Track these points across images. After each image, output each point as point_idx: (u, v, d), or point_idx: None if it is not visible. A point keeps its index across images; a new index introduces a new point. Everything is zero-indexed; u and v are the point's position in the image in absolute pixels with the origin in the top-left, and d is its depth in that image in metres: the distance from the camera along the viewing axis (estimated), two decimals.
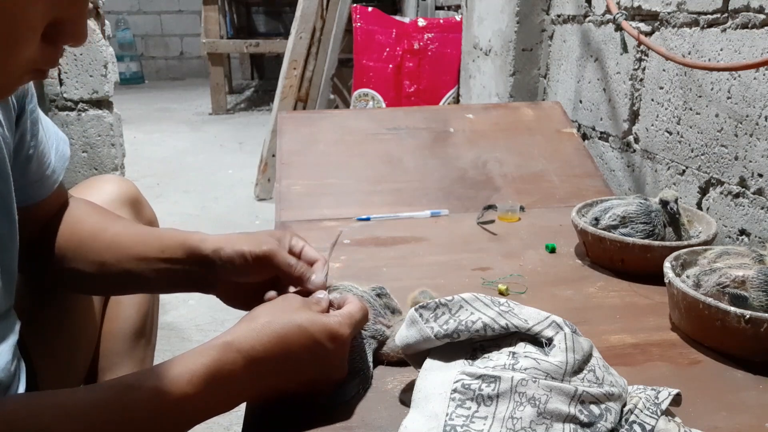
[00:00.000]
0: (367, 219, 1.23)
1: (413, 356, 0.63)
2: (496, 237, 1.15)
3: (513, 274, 0.98)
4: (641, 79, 1.41)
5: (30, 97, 0.69)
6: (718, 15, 1.15)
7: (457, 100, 2.80)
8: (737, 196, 1.13)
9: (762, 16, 1.05)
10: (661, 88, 1.34)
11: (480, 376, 0.53)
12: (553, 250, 1.08)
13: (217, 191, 3.16)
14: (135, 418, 0.52)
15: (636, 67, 1.43)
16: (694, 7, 1.21)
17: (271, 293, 0.68)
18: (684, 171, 1.28)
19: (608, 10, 1.47)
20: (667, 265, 0.83)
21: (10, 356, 0.64)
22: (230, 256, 0.69)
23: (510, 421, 0.51)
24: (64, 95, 1.81)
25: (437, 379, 0.56)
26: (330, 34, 3.20)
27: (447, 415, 0.52)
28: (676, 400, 0.58)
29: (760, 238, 1.08)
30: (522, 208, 1.27)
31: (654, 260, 0.91)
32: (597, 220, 1.02)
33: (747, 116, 1.09)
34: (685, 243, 0.95)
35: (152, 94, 6.33)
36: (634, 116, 1.46)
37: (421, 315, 0.60)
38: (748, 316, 0.70)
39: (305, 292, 0.68)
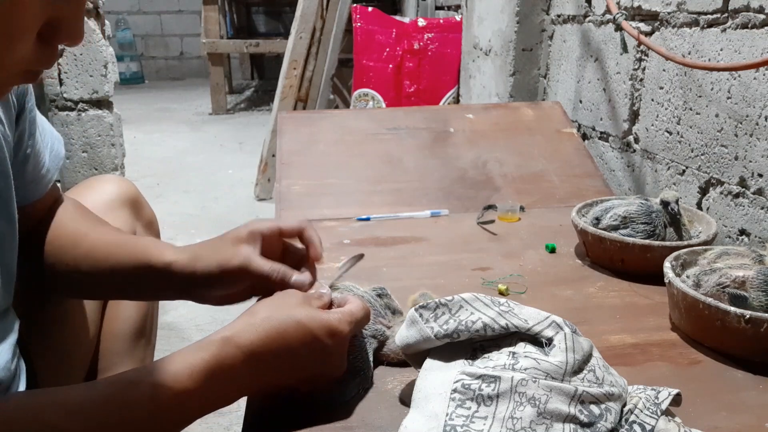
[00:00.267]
0: (367, 219, 1.23)
1: (413, 356, 0.63)
2: (496, 237, 1.15)
3: (513, 274, 0.98)
4: (641, 79, 1.41)
5: (29, 95, 0.69)
6: (718, 15, 1.15)
7: (457, 100, 2.80)
8: (737, 196, 1.13)
9: (762, 16, 1.05)
10: (661, 88, 1.34)
11: (480, 376, 0.53)
12: (553, 250, 1.08)
13: (217, 191, 3.16)
14: (136, 413, 0.52)
15: (636, 67, 1.43)
16: (694, 7, 1.21)
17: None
18: (684, 171, 1.28)
19: (608, 10, 1.47)
20: (667, 265, 0.83)
21: (9, 355, 0.64)
22: (202, 274, 0.68)
23: (510, 421, 0.51)
24: (64, 95, 1.81)
25: (437, 379, 0.56)
26: (330, 34, 3.20)
27: (447, 415, 0.52)
28: (676, 400, 0.58)
29: (760, 238, 1.08)
30: (522, 208, 1.27)
31: (654, 260, 0.91)
32: (598, 220, 1.02)
33: (747, 116, 1.09)
34: (685, 243, 0.95)
35: (152, 94, 6.33)
36: (634, 116, 1.46)
37: (421, 315, 0.60)
38: (748, 316, 0.70)
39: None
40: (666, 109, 1.33)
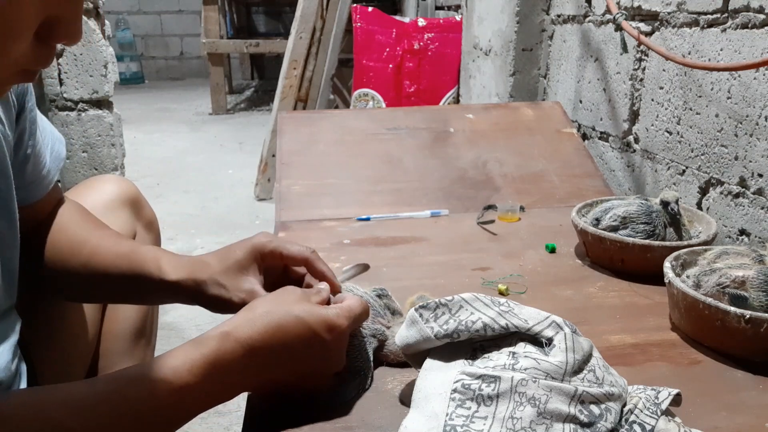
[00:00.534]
0: (367, 219, 1.23)
1: (413, 356, 0.63)
2: (496, 237, 1.15)
3: (513, 274, 0.98)
4: (641, 79, 1.41)
5: (29, 95, 0.69)
6: (718, 15, 1.15)
7: (457, 100, 2.80)
8: (737, 196, 1.13)
9: (762, 16, 1.05)
10: (661, 88, 1.34)
11: (480, 376, 0.53)
12: (553, 250, 1.08)
13: (217, 191, 3.17)
14: (136, 408, 0.52)
15: (636, 67, 1.43)
16: (694, 7, 1.21)
17: None
18: (684, 171, 1.28)
19: (608, 10, 1.47)
20: (667, 265, 0.83)
21: (10, 356, 0.64)
22: (207, 300, 0.70)
23: (510, 421, 0.51)
24: (64, 95, 1.81)
25: (437, 379, 0.56)
26: (330, 34, 3.20)
27: (447, 415, 0.52)
28: (676, 400, 0.58)
29: (760, 238, 1.08)
30: (522, 208, 1.27)
31: (654, 260, 0.91)
32: (598, 220, 1.02)
33: (747, 116, 1.09)
34: (685, 243, 0.95)
35: (152, 94, 6.33)
36: (634, 116, 1.46)
37: (421, 315, 0.60)
38: (748, 316, 0.70)
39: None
40: (666, 109, 1.33)
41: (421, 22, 3.00)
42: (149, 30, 7.30)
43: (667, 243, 0.95)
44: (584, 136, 1.70)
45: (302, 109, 3.17)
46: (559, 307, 0.87)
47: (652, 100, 1.38)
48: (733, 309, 0.71)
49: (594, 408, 0.53)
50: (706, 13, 1.18)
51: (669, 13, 1.29)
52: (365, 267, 0.83)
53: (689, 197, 1.26)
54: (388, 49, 2.97)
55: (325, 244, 1.10)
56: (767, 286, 0.73)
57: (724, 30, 1.13)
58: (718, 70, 1.14)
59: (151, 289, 0.72)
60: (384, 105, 2.96)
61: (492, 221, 1.22)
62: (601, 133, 1.61)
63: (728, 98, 1.13)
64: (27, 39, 0.43)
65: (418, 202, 1.30)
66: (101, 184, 0.91)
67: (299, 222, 1.21)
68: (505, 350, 0.57)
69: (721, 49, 1.15)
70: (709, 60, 1.18)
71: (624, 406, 0.56)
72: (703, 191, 1.22)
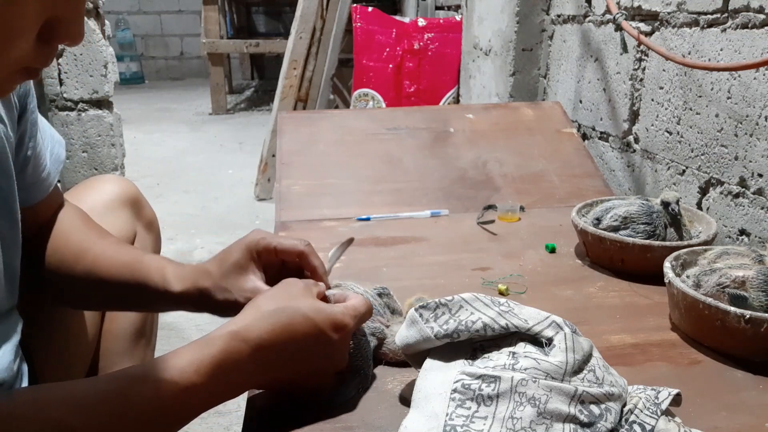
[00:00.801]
0: (367, 219, 1.23)
1: (413, 356, 0.63)
2: (496, 237, 1.15)
3: (513, 274, 0.98)
4: (641, 79, 1.41)
5: (31, 96, 0.69)
6: (718, 15, 1.15)
7: (457, 100, 2.80)
8: (737, 196, 1.13)
9: (762, 16, 1.05)
10: (661, 88, 1.34)
11: (480, 376, 0.53)
12: (553, 250, 1.08)
13: (217, 191, 3.16)
14: (140, 408, 0.52)
15: (636, 67, 1.43)
16: (694, 7, 1.21)
17: None
18: (684, 171, 1.28)
19: (608, 10, 1.47)
20: (667, 265, 0.83)
21: (12, 356, 0.64)
22: (211, 307, 0.70)
23: (510, 421, 0.51)
24: (64, 95, 1.81)
25: (437, 379, 0.56)
26: (330, 34, 3.20)
27: (447, 415, 0.52)
28: (676, 400, 0.58)
29: (760, 238, 1.08)
30: (522, 208, 1.27)
31: (654, 260, 0.91)
32: (598, 220, 1.02)
33: (747, 116, 1.09)
34: (685, 243, 0.95)
35: (152, 94, 6.33)
36: (634, 116, 1.46)
37: (421, 315, 0.61)
38: (748, 316, 0.70)
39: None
40: (666, 109, 1.33)
41: (421, 22, 3.00)
42: (149, 30, 7.30)
43: (667, 243, 0.95)
44: (584, 136, 1.70)
45: (302, 109, 3.17)
46: (559, 307, 0.87)
47: (652, 100, 1.38)
48: (733, 309, 0.71)
49: (594, 408, 0.53)
50: (706, 13, 1.18)
51: (669, 13, 1.29)
52: (349, 241, 0.83)
53: (689, 197, 1.26)
54: (388, 49, 2.97)
55: (325, 244, 1.09)
56: (767, 286, 0.73)
57: (724, 30, 1.13)
58: (718, 70, 1.14)
59: (154, 299, 0.73)
60: (384, 105, 2.96)
61: (492, 221, 1.22)
62: (601, 133, 1.61)
63: (728, 98, 1.13)
64: (29, 39, 0.43)
65: (418, 202, 1.30)
66: (101, 184, 0.91)
67: (299, 222, 1.21)
68: (505, 350, 0.57)
69: (721, 49, 1.15)
70: (709, 60, 1.18)
71: (624, 406, 0.56)
72: (703, 191, 1.22)
